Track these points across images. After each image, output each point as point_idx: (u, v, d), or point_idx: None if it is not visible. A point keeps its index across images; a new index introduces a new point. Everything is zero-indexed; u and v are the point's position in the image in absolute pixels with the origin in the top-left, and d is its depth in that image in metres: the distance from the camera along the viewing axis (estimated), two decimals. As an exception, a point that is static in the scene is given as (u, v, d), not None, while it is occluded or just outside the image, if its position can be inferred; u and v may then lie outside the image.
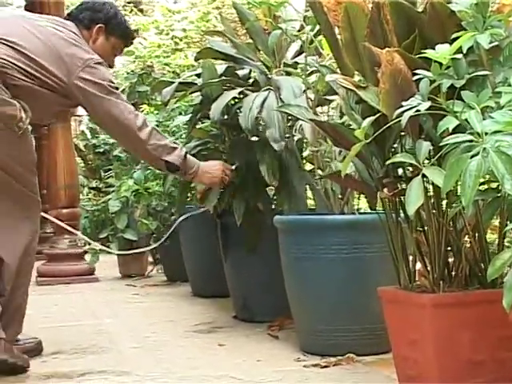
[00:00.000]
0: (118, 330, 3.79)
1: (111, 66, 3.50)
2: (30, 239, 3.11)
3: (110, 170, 6.72)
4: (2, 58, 3.02)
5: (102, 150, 7.50)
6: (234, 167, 3.58)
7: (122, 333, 3.71)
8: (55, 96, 3.15)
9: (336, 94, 2.73)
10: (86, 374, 2.92)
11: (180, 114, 5.36)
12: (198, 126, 4.08)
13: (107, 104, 3.16)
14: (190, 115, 4.10)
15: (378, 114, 2.18)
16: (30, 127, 3.09)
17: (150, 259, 6.07)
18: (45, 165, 6.78)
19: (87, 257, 5.82)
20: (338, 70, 2.76)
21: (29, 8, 7.53)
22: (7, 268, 3.04)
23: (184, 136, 4.89)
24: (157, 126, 5.75)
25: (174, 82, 3.97)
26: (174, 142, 3.40)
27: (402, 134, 2.34)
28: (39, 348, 3.26)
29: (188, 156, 3.35)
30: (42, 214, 3.28)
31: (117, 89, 3.24)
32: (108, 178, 6.60)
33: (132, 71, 7.24)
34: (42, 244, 6.74)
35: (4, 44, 3.05)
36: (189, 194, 4.63)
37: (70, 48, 3.16)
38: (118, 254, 5.64)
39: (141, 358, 3.15)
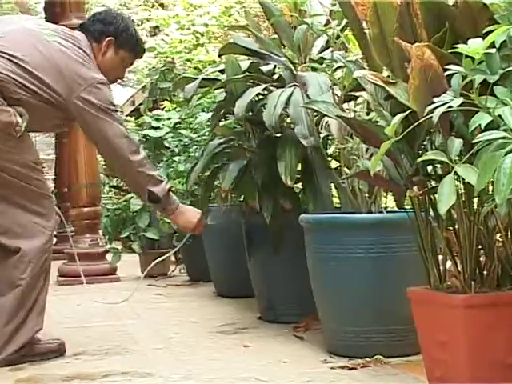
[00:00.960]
0: (140, 330, 3.80)
1: (121, 78, 3.59)
2: (49, 234, 3.20)
3: (131, 167, 6.72)
4: (2, 73, 3.10)
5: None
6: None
7: (145, 334, 3.72)
8: (53, 110, 3.23)
9: (362, 90, 2.72)
10: (108, 376, 2.93)
11: (203, 110, 5.36)
12: (221, 123, 4.08)
13: (102, 125, 3.23)
14: (214, 112, 4.10)
15: (408, 111, 2.17)
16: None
17: (172, 259, 6.07)
18: (65, 163, 6.81)
19: (108, 256, 5.83)
20: (365, 66, 2.75)
21: (49, 7, 7.59)
22: (22, 258, 3.12)
23: (207, 133, 4.89)
24: (179, 123, 5.77)
25: (196, 78, 3.97)
26: (161, 176, 3.47)
27: (432, 130, 2.33)
28: (62, 349, 3.28)
29: (171, 192, 3.44)
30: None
31: (116, 111, 3.32)
32: (129, 175, 6.61)
33: (154, 67, 7.25)
34: (63, 243, 6.79)
35: (5, 58, 3.13)
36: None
37: (75, 66, 3.23)
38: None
39: (164, 360, 3.16)
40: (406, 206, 2.86)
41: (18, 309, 3.11)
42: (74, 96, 3.19)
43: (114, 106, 3.31)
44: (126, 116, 8.84)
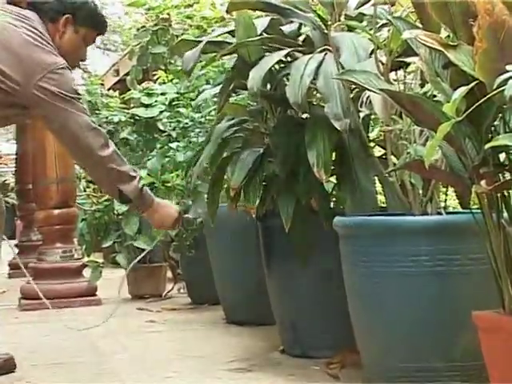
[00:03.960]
0: (128, 368, 3.81)
1: (83, 60, 3.79)
2: None
3: (115, 157, 6.75)
4: None
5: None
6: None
7: (134, 372, 3.72)
8: (6, 99, 3.40)
9: (414, 55, 2.72)
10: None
11: (207, 83, 5.38)
12: (231, 100, 4.09)
13: (64, 116, 3.43)
14: (222, 85, 4.12)
15: (473, 83, 2.17)
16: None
17: (169, 275, 6.09)
18: (30, 152, 6.82)
19: (86, 272, 5.85)
20: (418, 24, 2.75)
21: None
22: None
23: (213, 113, 4.90)
24: (177, 99, 5.78)
25: (200, 42, 3.99)
26: (134, 170, 3.65)
27: (504, 107, 2.34)
28: (10, 364, 3.36)
29: (145, 189, 3.64)
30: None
31: (79, 99, 3.50)
32: (113, 168, 6.65)
33: (143, 27, 7.27)
34: (27, 256, 6.81)
35: None
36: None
37: (31, 49, 3.41)
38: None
39: (160, 406, 3.19)
40: (473, 206, 2.87)
41: None
42: (32, 85, 3.36)
43: (78, 93, 3.49)
44: (108, 90, 8.87)
